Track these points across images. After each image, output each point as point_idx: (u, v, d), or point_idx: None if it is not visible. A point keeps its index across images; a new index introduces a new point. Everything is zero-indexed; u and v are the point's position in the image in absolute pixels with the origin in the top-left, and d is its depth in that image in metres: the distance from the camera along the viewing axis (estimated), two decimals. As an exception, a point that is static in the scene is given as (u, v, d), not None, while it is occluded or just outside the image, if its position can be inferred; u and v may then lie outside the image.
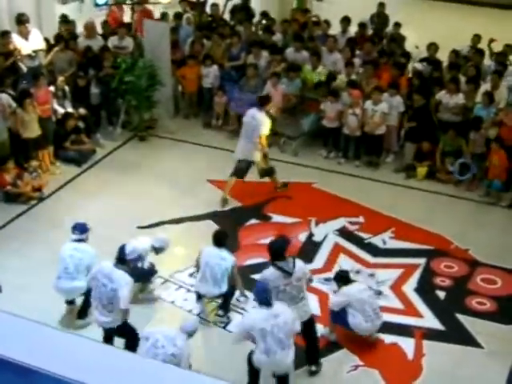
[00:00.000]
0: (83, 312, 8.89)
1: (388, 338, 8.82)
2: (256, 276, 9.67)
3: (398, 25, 15.96)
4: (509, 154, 11.75)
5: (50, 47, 13.79)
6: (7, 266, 9.83)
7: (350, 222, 11.29)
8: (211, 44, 14.94)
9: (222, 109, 14.26)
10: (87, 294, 8.73)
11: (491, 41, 14.73)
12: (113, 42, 14.55)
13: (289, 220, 11.32)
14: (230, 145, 13.62)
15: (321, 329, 8.62)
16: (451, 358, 8.61)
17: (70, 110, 13.06)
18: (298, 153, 13.26)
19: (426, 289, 9.81)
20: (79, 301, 9.00)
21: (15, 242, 10.50)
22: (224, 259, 8.88)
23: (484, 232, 11.13)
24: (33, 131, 12.00)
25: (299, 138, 13.48)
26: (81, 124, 13.13)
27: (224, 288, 8.94)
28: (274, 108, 13.09)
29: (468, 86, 12.99)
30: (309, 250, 10.59)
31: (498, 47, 14.58)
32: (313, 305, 8.66)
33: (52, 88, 12.82)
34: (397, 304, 9.47)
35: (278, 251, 8.05)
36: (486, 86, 12.80)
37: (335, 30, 15.66)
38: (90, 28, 14.78)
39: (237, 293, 9.25)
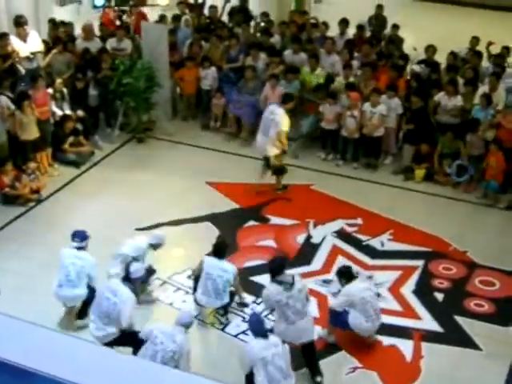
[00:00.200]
0: (83, 312, 8.89)
1: (386, 340, 8.82)
2: (254, 278, 9.73)
3: (396, 27, 15.97)
4: (507, 155, 11.76)
5: (48, 49, 13.79)
6: (5, 268, 9.83)
7: (348, 224, 11.29)
8: (209, 46, 14.95)
9: (221, 111, 14.26)
10: (89, 294, 8.76)
11: (490, 43, 14.75)
12: (111, 43, 14.56)
13: (287, 222, 11.32)
14: (228, 147, 13.69)
15: (319, 330, 8.62)
16: (450, 359, 8.61)
17: (68, 112, 13.06)
18: (298, 155, 13.25)
19: (424, 291, 9.81)
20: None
21: (13, 244, 10.49)
22: (226, 271, 8.87)
23: (482, 234, 11.14)
24: (31, 133, 12.00)
25: (298, 140, 13.48)
26: (79, 126, 13.13)
27: (226, 299, 8.96)
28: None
29: (466, 88, 13.00)
30: (307, 251, 10.59)
31: (496, 49, 14.58)
32: (311, 306, 8.65)
33: (50, 90, 12.82)
34: (395, 306, 9.47)
35: (277, 268, 8.18)
36: (484, 88, 12.81)
37: (333, 31, 15.66)
38: (88, 30, 14.78)
39: (236, 297, 9.24)
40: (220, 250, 9.08)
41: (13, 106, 11.88)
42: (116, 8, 15.97)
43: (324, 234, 11.03)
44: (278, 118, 11.63)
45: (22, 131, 11.91)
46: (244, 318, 9.13)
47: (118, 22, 16.26)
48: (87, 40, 14.59)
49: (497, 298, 9.69)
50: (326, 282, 9.86)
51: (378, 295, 9.44)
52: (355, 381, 8.25)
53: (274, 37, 15.37)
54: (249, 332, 8.66)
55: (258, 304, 9.31)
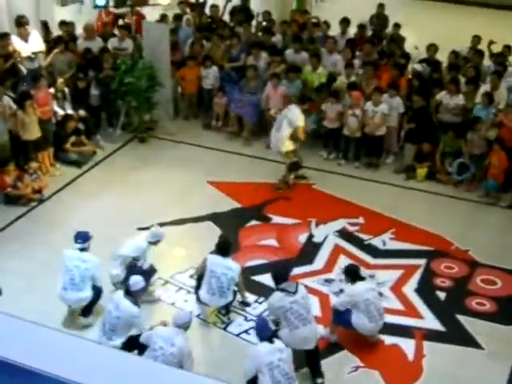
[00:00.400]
0: (88, 310, 8.90)
1: (388, 339, 8.81)
2: (256, 277, 9.74)
3: (397, 26, 15.97)
4: (509, 154, 11.76)
5: (49, 49, 13.79)
6: (7, 268, 9.83)
7: (350, 223, 11.29)
8: (211, 45, 14.95)
9: (222, 110, 14.26)
10: (94, 294, 8.78)
11: (491, 42, 14.73)
12: (112, 43, 14.58)
13: (289, 221, 11.32)
14: (230, 146, 13.69)
15: (321, 330, 8.62)
16: (451, 358, 8.61)
17: (69, 111, 13.07)
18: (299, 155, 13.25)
19: (426, 290, 9.81)
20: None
21: (15, 243, 10.49)
22: (230, 269, 8.87)
23: (484, 233, 11.14)
24: (33, 133, 12.01)
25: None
26: (81, 126, 13.13)
27: (230, 297, 8.99)
28: (275, 109, 13.14)
29: (467, 87, 12.99)
30: (309, 251, 10.60)
31: (497, 48, 14.56)
32: (313, 306, 8.65)
33: (52, 90, 12.82)
34: (397, 305, 9.46)
35: (280, 276, 8.23)
36: (485, 87, 12.80)
37: (335, 31, 15.65)
38: (89, 30, 14.80)
39: (238, 296, 9.24)
40: (224, 248, 9.08)
41: (14, 106, 11.89)
42: (111, 11, 16.02)
43: (326, 233, 11.03)
44: (291, 115, 11.78)
45: (24, 131, 11.91)
46: (246, 317, 9.14)
47: (116, 24, 16.29)
48: (89, 40, 14.60)
49: (499, 297, 9.69)
50: (328, 281, 9.87)
51: (380, 294, 9.44)
52: (357, 380, 8.25)
53: (275, 36, 15.36)
54: (251, 331, 8.72)
55: (260, 303, 9.32)
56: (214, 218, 11.33)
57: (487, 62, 14.29)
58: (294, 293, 7.98)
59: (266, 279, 9.27)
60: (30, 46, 13.07)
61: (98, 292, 8.89)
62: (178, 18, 16.02)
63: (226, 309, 9.12)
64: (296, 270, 9.97)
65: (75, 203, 11.64)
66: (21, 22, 13.01)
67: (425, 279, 10.03)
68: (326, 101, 13.07)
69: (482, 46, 14.73)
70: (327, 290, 9.65)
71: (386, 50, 14.74)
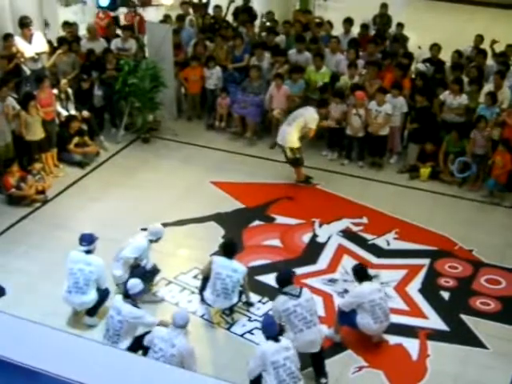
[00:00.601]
0: (94, 310, 8.91)
1: (392, 339, 8.81)
2: (260, 277, 9.74)
3: (400, 25, 15.94)
4: (512, 154, 11.76)
5: (53, 50, 13.81)
6: (12, 269, 9.84)
7: (354, 223, 11.28)
8: (214, 46, 14.95)
9: (226, 110, 14.25)
10: (100, 295, 8.78)
11: (494, 42, 14.69)
12: (116, 44, 14.58)
13: (292, 221, 11.31)
14: (233, 146, 13.70)
15: (325, 330, 8.62)
16: (456, 358, 8.60)
17: (73, 112, 13.08)
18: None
19: (430, 289, 9.80)
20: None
21: (19, 244, 10.51)
22: (235, 271, 8.86)
23: (488, 232, 11.12)
24: (36, 134, 12.02)
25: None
26: (84, 126, 13.15)
27: (235, 299, 8.98)
28: (278, 109, 13.15)
29: (471, 87, 12.97)
30: (312, 251, 10.59)
31: (500, 47, 14.53)
32: (317, 306, 8.64)
33: (55, 91, 12.83)
34: (401, 305, 9.45)
35: (283, 280, 8.22)
36: (489, 87, 12.78)
37: (338, 30, 15.64)
38: (92, 30, 14.82)
39: (242, 297, 9.24)
40: (230, 250, 9.08)
41: (18, 107, 11.90)
42: (107, 12, 16.07)
43: (329, 233, 11.03)
44: (308, 116, 11.95)
45: (27, 132, 11.93)
46: (250, 317, 9.14)
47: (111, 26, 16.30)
48: (92, 40, 14.61)
49: (503, 297, 9.67)
50: (332, 281, 9.86)
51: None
52: (361, 380, 8.25)
53: (278, 36, 15.35)
54: (255, 332, 8.72)
55: (264, 303, 9.32)
56: (218, 218, 11.33)
57: (490, 62, 14.26)
58: (298, 296, 7.98)
59: (270, 279, 9.28)
60: (33, 47, 13.09)
61: (105, 293, 8.89)
62: (180, 18, 16.02)
63: (230, 309, 9.12)
64: (300, 270, 9.99)
65: (79, 204, 11.65)
66: (24, 23, 13.03)
67: (429, 279, 10.02)
68: (330, 101, 13.07)
69: (485, 46, 14.70)
70: (331, 289, 9.65)
71: (389, 50, 14.71)
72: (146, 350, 7.82)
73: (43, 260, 10.10)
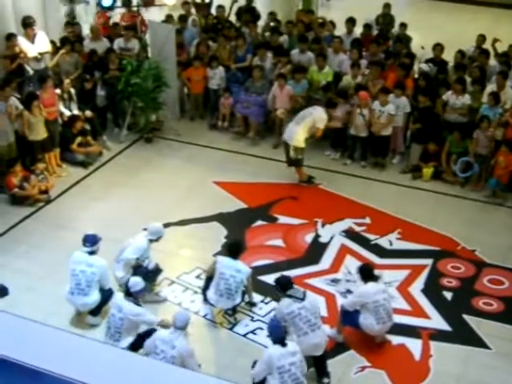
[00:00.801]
0: (97, 309, 8.92)
1: (395, 339, 8.80)
2: (263, 277, 9.74)
3: (403, 25, 15.94)
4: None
5: (56, 49, 13.82)
6: (14, 268, 9.85)
7: (357, 223, 11.28)
8: (217, 46, 14.95)
9: (228, 110, 14.25)
10: (102, 295, 8.79)
11: (495, 41, 14.65)
12: (119, 43, 14.59)
13: (295, 221, 11.31)
14: (236, 146, 13.70)
15: (328, 330, 8.61)
16: (458, 358, 8.60)
17: (76, 112, 13.09)
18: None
19: (432, 290, 9.79)
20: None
21: (22, 244, 10.52)
22: (239, 271, 8.86)
23: (490, 232, 11.11)
24: (39, 133, 12.03)
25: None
26: (87, 126, 13.16)
27: (238, 300, 8.97)
28: (281, 109, 13.15)
29: (473, 87, 12.95)
30: (315, 251, 10.59)
31: (503, 47, 14.51)
32: (320, 305, 8.63)
33: (58, 91, 12.84)
34: (404, 305, 9.45)
35: (285, 284, 8.22)
36: (491, 87, 12.76)
37: (341, 30, 15.63)
38: (95, 30, 14.83)
39: (245, 297, 9.24)
40: (235, 250, 9.08)
41: (21, 107, 11.91)
42: (103, 13, 16.14)
43: (332, 233, 11.02)
44: (317, 115, 11.95)
45: (30, 132, 11.94)
46: (252, 317, 9.14)
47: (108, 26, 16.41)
48: (95, 40, 14.62)
49: (506, 297, 9.66)
50: (335, 281, 9.86)
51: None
52: (364, 380, 8.24)
53: (282, 36, 15.34)
54: (257, 332, 8.72)
55: (266, 304, 9.32)
56: (220, 218, 11.34)
57: (493, 62, 14.24)
58: (303, 299, 7.97)
59: (273, 279, 9.27)
60: (36, 47, 13.10)
61: (108, 293, 8.88)
62: (183, 18, 16.02)
63: (233, 309, 9.11)
64: (302, 270, 10.01)
65: (82, 204, 11.66)
66: (27, 23, 13.04)
67: (431, 279, 10.02)
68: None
69: (487, 45, 14.68)
70: (334, 290, 9.65)
71: (392, 50, 14.70)
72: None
73: (46, 260, 10.11)
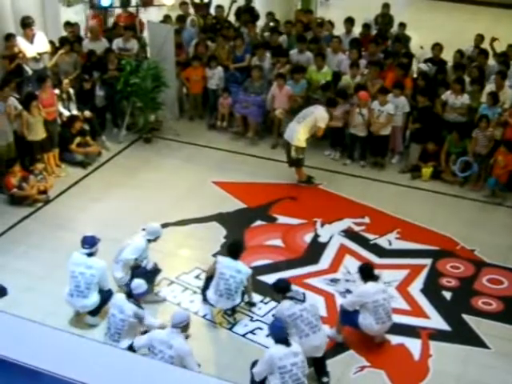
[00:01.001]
0: (96, 310, 8.91)
1: (394, 339, 8.80)
2: (262, 277, 9.73)
3: (402, 25, 15.94)
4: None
5: (55, 50, 13.82)
6: (13, 268, 9.84)
7: (356, 223, 11.28)
8: (215, 46, 14.95)
9: (227, 110, 14.25)
10: (105, 296, 8.78)
11: (493, 39, 14.64)
12: (117, 44, 14.58)
13: (294, 221, 11.31)
14: (235, 146, 13.71)
15: (327, 330, 8.61)
16: (458, 358, 8.60)
17: (75, 112, 13.08)
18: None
19: (432, 289, 9.79)
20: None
21: (21, 244, 10.51)
22: (239, 271, 8.86)
23: (490, 232, 11.11)
24: (38, 134, 12.03)
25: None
26: (86, 126, 13.15)
27: (237, 300, 8.97)
28: (280, 109, 13.15)
29: (472, 87, 12.95)
30: (314, 251, 10.59)
31: (502, 47, 14.51)
32: (319, 306, 8.63)
33: (57, 91, 12.84)
34: (403, 305, 9.44)
35: (284, 286, 8.24)
36: (490, 87, 12.76)
37: (340, 30, 15.64)
38: (94, 31, 14.82)
39: (244, 297, 9.23)
40: (235, 250, 9.07)
41: (20, 107, 11.90)
42: (97, 13, 16.15)
43: (331, 233, 11.02)
44: (319, 115, 11.94)
45: (29, 132, 11.93)
46: (252, 317, 9.13)
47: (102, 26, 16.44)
48: (94, 41, 14.62)
49: (505, 296, 9.66)
50: (334, 281, 9.86)
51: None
52: (363, 380, 8.24)
53: (281, 36, 15.33)
54: (257, 331, 8.72)
55: (266, 303, 9.32)
56: (220, 218, 11.33)
57: (492, 62, 14.23)
58: (303, 301, 7.98)
59: (272, 279, 9.27)
60: (35, 47, 13.09)
61: (108, 294, 8.87)
62: (181, 18, 16.01)
63: (232, 309, 9.11)
64: (301, 270, 10.02)
65: (81, 204, 11.65)
66: (26, 23, 13.04)
67: (431, 279, 10.01)
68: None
69: (485, 45, 14.68)
70: (333, 289, 9.64)
71: (391, 50, 14.70)
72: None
73: (45, 260, 10.10)
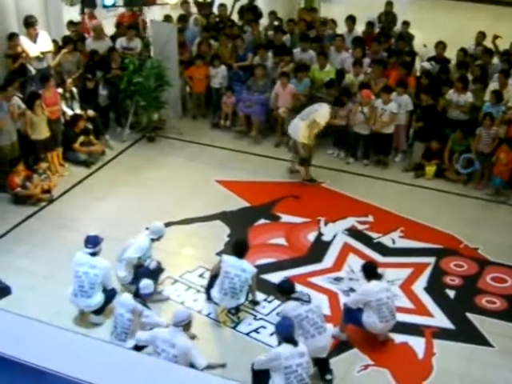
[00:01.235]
0: (100, 309, 8.92)
1: (398, 338, 8.79)
2: (266, 276, 9.73)
3: (406, 23, 15.92)
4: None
5: (58, 49, 13.83)
6: (17, 268, 9.85)
7: (359, 222, 11.27)
8: (218, 45, 14.95)
9: (231, 109, 14.25)
10: (109, 295, 8.79)
11: (495, 37, 14.61)
12: (121, 43, 14.59)
13: (298, 220, 11.30)
14: (238, 145, 13.71)
15: (331, 328, 8.61)
16: (461, 357, 8.59)
17: (78, 111, 13.09)
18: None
19: (435, 288, 9.78)
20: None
21: (25, 243, 10.52)
22: (244, 270, 8.86)
23: (493, 231, 11.10)
24: (42, 133, 12.04)
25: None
26: (89, 125, 13.16)
27: (242, 299, 8.97)
28: (284, 108, 13.15)
29: (475, 85, 12.94)
30: (318, 249, 10.58)
31: (504, 44, 14.49)
32: (323, 304, 8.63)
33: (60, 90, 12.85)
34: (407, 303, 9.44)
35: (288, 288, 8.24)
36: (494, 85, 12.74)
37: (343, 29, 15.63)
38: (97, 30, 14.83)
39: (248, 296, 9.23)
40: (240, 250, 9.07)
41: (23, 106, 11.92)
42: (93, 14, 16.16)
43: (335, 231, 11.02)
44: (322, 112, 11.95)
45: (33, 131, 11.95)
46: (255, 316, 9.13)
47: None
48: (97, 40, 14.63)
49: (509, 295, 9.65)
50: (337, 279, 9.86)
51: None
52: (367, 378, 8.24)
53: (285, 35, 15.33)
54: (260, 330, 8.72)
55: (269, 302, 9.32)
56: (223, 216, 11.34)
57: (495, 60, 14.21)
58: (309, 302, 7.98)
59: (275, 278, 9.29)
60: (38, 46, 13.10)
61: (112, 293, 8.88)
62: (183, 18, 16.01)
63: (236, 308, 9.11)
64: (305, 269, 10.01)
65: (84, 203, 11.66)
66: (30, 23, 13.04)
67: (434, 277, 10.01)
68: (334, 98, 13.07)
69: (487, 42, 14.65)
70: (336, 288, 9.64)
71: (394, 48, 14.68)
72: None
73: (48, 259, 10.11)
